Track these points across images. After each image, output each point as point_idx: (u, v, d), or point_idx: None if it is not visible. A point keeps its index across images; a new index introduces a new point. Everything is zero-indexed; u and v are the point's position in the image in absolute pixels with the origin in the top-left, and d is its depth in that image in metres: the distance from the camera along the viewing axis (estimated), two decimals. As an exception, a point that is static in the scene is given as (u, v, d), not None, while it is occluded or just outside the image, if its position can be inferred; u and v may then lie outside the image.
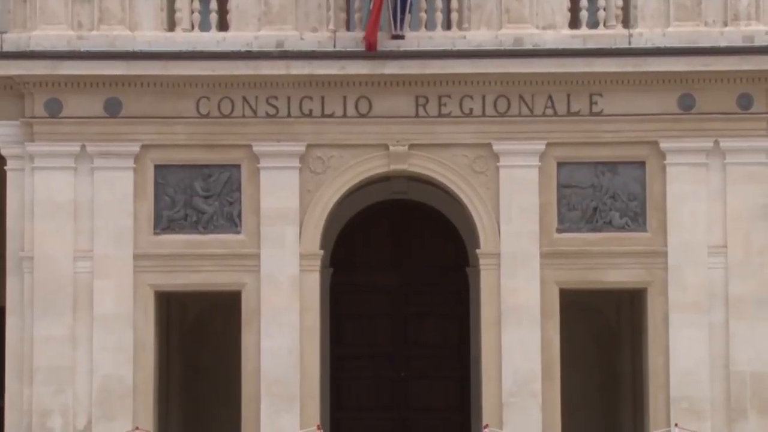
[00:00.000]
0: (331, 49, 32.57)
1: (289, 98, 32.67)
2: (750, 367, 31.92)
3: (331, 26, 32.63)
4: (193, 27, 32.96)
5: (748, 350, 31.94)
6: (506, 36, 32.50)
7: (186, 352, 35.98)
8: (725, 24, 32.37)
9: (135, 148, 32.55)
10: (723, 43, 32.23)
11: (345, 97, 32.78)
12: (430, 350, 37.33)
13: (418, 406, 36.88)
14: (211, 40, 32.76)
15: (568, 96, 32.64)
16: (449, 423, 36.37)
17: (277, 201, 32.63)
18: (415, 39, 32.60)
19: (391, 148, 32.70)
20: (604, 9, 32.89)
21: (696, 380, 32.01)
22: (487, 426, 31.53)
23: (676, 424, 31.32)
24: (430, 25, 33.03)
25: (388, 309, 37.53)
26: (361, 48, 32.24)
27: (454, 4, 33.00)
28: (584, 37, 32.67)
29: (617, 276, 32.79)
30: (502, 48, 32.51)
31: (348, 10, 32.99)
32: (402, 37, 32.33)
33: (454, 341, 36.66)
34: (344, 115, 32.83)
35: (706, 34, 32.30)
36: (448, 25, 33.06)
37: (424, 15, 32.99)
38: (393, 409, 36.98)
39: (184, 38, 32.76)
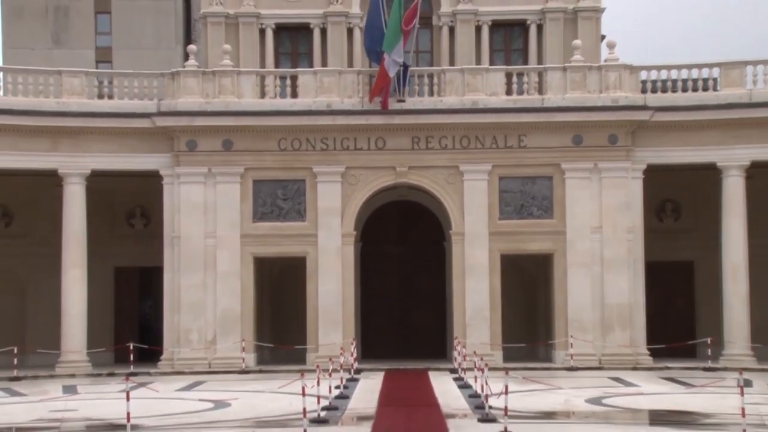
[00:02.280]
0: (360, 108, 33.25)
1: (335, 139, 33.33)
2: (615, 300, 32.73)
3: (360, 94, 33.38)
4: (276, 95, 33.67)
5: (615, 291, 32.74)
6: (467, 100, 33.20)
7: (272, 293, 36.17)
8: (600, 92, 33.12)
9: (241, 170, 33.25)
10: (599, 104, 32.98)
11: (369, 138, 33.42)
12: (422, 293, 36.97)
13: (415, 327, 36.67)
14: (287, 103, 33.51)
15: (505, 136, 33.25)
16: (433, 337, 36.10)
17: (328, 202, 33.28)
18: (412, 102, 33.20)
19: (397, 168, 33.35)
20: (527, 83, 33.45)
21: (583, 309, 32.82)
22: (456, 338, 31.97)
23: (571, 336, 32.39)
24: (420, 93, 33.53)
25: (396, 268, 37.23)
26: (379, 108, 32.94)
27: (435, 80, 33.63)
28: (515, 100, 33.32)
29: (536, 246, 33.52)
30: (465, 107, 33.13)
31: (370, 84, 33.27)
32: (403, 101, 33.09)
33: (438, 287, 36.14)
34: (368, 149, 33.46)
35: (589, 98, 33.09)
36: (431, 93, 33.55)
37: (417, 87, 33.51)
38: (399, 329, 36.68)
39: (271, 102, 33.51)
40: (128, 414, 16.94)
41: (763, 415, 19.40)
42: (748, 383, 19.15)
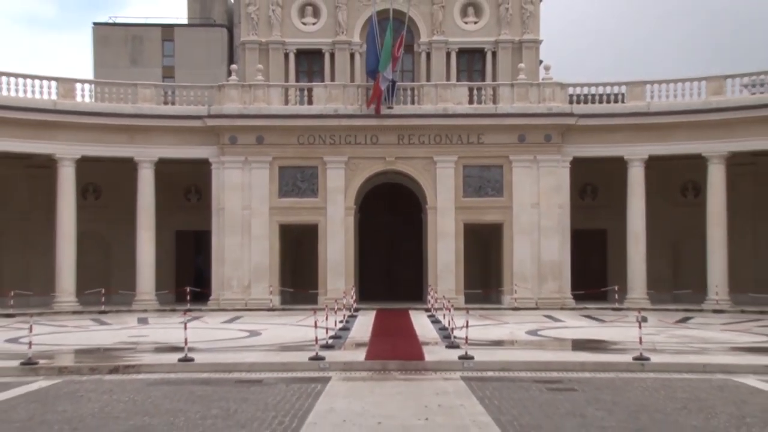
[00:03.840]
0: (359, 113, 33.08)
1: (340, 136, 33.14)
2: (548, 258, 32.93)
3: (359, 102, 33.20)
4: (296, 103, 33.51)
5: (548, 251, 32.93)
6: (439, 107, 33.10)
7: (293, 251, 35.90)
8: (539, 102, 33.10)
9: (269, 158, 33.16)
10: (538, 111, 32.90)
11: (365, 135, 33.23)
12: (404, 252, 36.99)
13: (399, 277, 36.83)
14: (304, 108, 33.29)
15: (468, 135, 33.08)
16: (413, 285, 35.91)
17: (335, 183, 33.19)
18: (398, 108, 33.01)
19: (387, 159, 33.27)
20: (484, 95, 33.45)
21: (524, 265, 32.94)
22: (430, 285, 32.18)
23: (515, 284, 32.58)
24: (404, 102, 33.35)
25: (385, 233, 37.06)
26: (373, 113, 32.85)
27: (416, 92, 33.54)
28: (475, 108, 33.19)
29: (490, 218, 33.41)
30: (438, 113, 33.02)
31: (367, 95, 33.02)
32: (392, 108, 32.88)
33: (416, 248, 35.82)
34: (365, 144, 33.26)
35: (530, 107, 33.02)
36: (412, 102, 33.44)
37: (402, 97, 33.31)
38: (387, 278, 36.88)
39: (292, 108, 33.34)
40: (185, 339, 17.05)
41: (655, 343, 19.66)
42: (644, 319, 19.29)
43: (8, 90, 31.75)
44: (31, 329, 17.08)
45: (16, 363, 16.21)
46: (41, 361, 16.39)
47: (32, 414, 11.68)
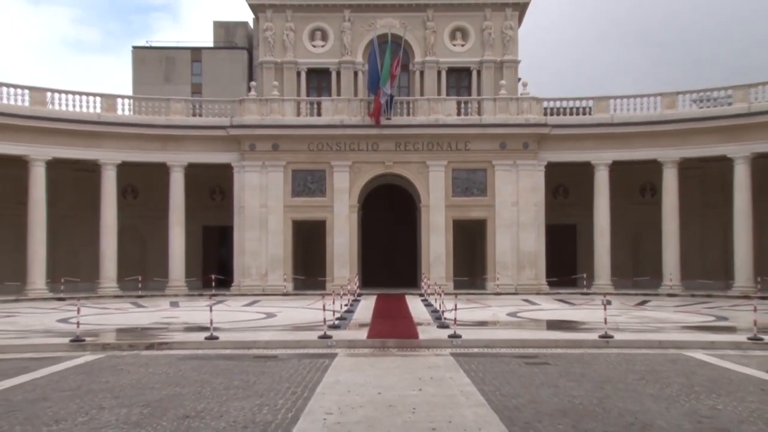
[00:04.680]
0: (362, 123, 32.98)
1: (345, 143, 33.05)
2: (526, 249, 32.86)
3: (362, 114, 33.13)
4: (307, 114, 33.37)
5: (526, 243, 32.84)
6: (431, 118, 33.02)
7: (304, 244, 35.62)
8: (518, 114, 33.03)
9: (284, 163, 33.04)
10: (517, 122, 32.87)
11: (367, 143, 33.12)
12: (401, 244, 36.85)
13: (396, 266, 36.73)
14: (314, 120, 33.19)
15: (456, 142, 33.00)
16: (408, 273, 35.60)
17: (340, 183, 33.11)
18: (395, 119, 32.95)
19: (385, 163, 33.20)
20: (470, 108, 33.29)
21: (505, 255, 32.87)
22: (423, 273, 32.18)
23: (497, 272, 32.51)
24: (401, 114, 33.27)
25: (385, 228, 37.08)
26: (374, 123, 32.75)
27: (411, 105, 33.38)
28: (462, 119, 33.11)
29: (475, 214, 33.25)
30: (430, 123, 32.94)
31: (369, 108, 32.96)
32: (390, 119, 32.82)
33: (411, 240, 35.68)
34: (367, 150, 33.13)
35: (510, 118, 32.97)
36: (408, 114, 33.33)
37: (399, 110, 33.22)
38: (386, 267, 36.66)
39: (303, 119, 33.22)
40: (211, 320, 17.06)
41: (618, 323, 19.67)
42: (609, 302, 19.25)
43: (59, 104, 31.85)
44: (78, 311, 17.10)
45: (66, 340, 16.23)
46: (87, 339, 16.38)
47: (80, 384, 11.73)
